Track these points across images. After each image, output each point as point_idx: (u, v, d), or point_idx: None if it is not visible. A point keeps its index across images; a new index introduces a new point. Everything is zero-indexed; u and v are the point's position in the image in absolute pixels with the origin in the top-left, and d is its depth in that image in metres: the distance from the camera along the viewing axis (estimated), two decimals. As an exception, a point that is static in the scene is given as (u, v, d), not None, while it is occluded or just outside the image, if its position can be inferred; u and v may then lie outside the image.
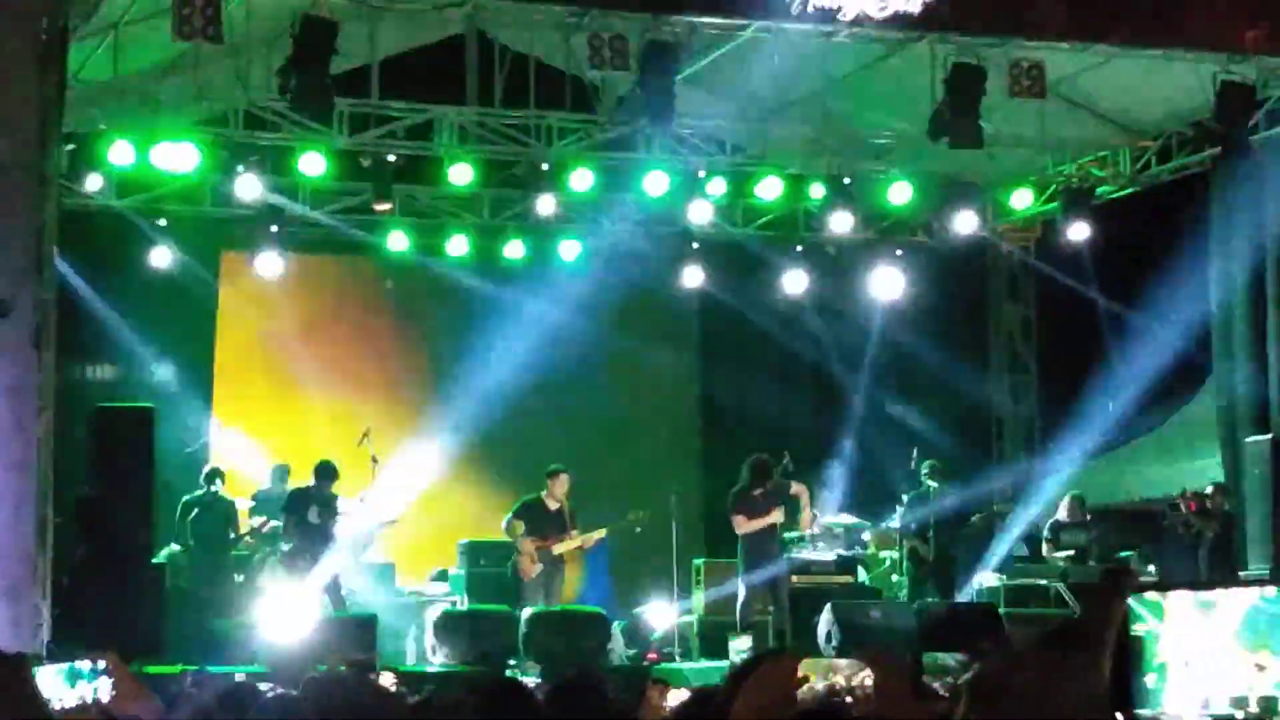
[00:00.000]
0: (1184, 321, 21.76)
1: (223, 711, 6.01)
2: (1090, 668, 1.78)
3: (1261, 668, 4.50)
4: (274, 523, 20.37)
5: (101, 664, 5.23)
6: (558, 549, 19.80)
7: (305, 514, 19.48)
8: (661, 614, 20.43)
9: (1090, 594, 1.74)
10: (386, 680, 10.96)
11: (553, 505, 19.95)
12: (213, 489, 20.44)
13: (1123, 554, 21.10)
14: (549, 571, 19.76)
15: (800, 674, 4.84)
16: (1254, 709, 4.85)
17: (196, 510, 20.21)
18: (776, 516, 19.36)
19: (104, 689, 5.29)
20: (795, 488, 19.93)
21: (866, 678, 4.62)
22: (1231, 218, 20.90)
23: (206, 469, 20.80)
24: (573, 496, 20.15)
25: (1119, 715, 1.56)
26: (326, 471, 19.83)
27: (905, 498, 21.26)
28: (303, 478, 20.40)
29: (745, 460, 19.76)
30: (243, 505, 21.08)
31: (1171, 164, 21.72)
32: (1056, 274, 23.54)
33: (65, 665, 5.30)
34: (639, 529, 20.34)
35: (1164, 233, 22.23)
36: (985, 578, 21.25)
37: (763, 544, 19.32)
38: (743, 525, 19.30)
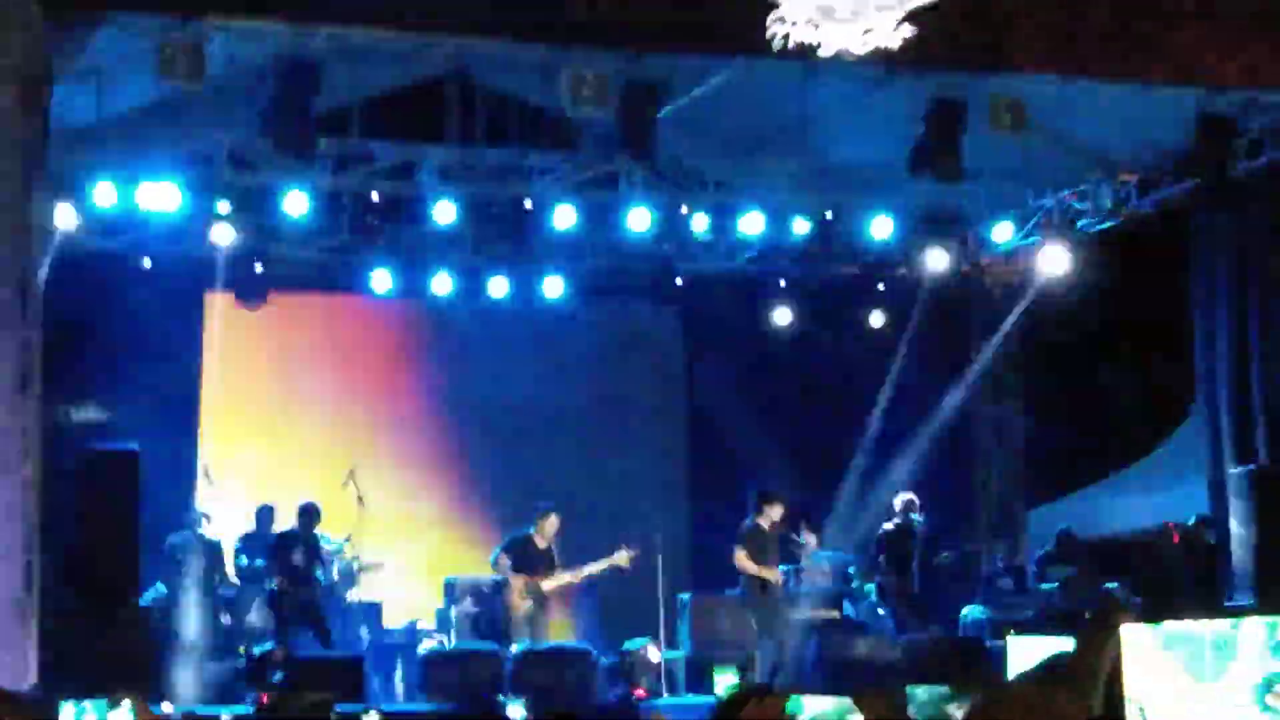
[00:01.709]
0: (1167, 353, 21.80)
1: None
2: (1081, 701, 1.80)
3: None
4: (257, 564, 20.38)
5: (126, 703, 5.27)
6: (547, 586, 19.82)
7: (290, 557, 19.51)
8: (648, 650, 20.42)
9: (1083, 628, 1.75)
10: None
11: (541, 544, 19.97)
12: (197, 530, 20.43)
13: (1108, 585, 21.13)
14: (535, 609, 19.78)
15: (788, 712, 4.87)
16: None
17: (181, 551, 20.20)
18: (776, 577, 19.47)
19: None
20: (808, 537, 20.17)
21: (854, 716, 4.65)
22: (1213, 249, 20.96)
23: (191, 511, 20.80)
24: (560, 535, 20.17)
25: None
26: (309, 512, 19.86)
27: (882, 532, 21.31)
28: (288, 518, 20.40)
29: (752, 492, 19.91)
30: (228, 546, 21.09)
31: (1152, 197, 21.76)
32: (1039, 307, 23.58)
33: (76, 704, 5.33)
34: (627, 567, 20.34)
35: (1145, 265, 22.30)
36: (971, 611, 21.28)
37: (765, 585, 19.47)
38: (747, 566, 19.37)
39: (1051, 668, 1.63)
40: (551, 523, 20.01)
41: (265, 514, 21.31)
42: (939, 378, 24.15)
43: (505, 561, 19.85)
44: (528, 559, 19.83)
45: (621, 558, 20.21)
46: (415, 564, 22.52)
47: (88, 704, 5.00)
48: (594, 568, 20.20)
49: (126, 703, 5.14)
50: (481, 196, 21.45)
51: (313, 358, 23.43)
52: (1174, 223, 21.62)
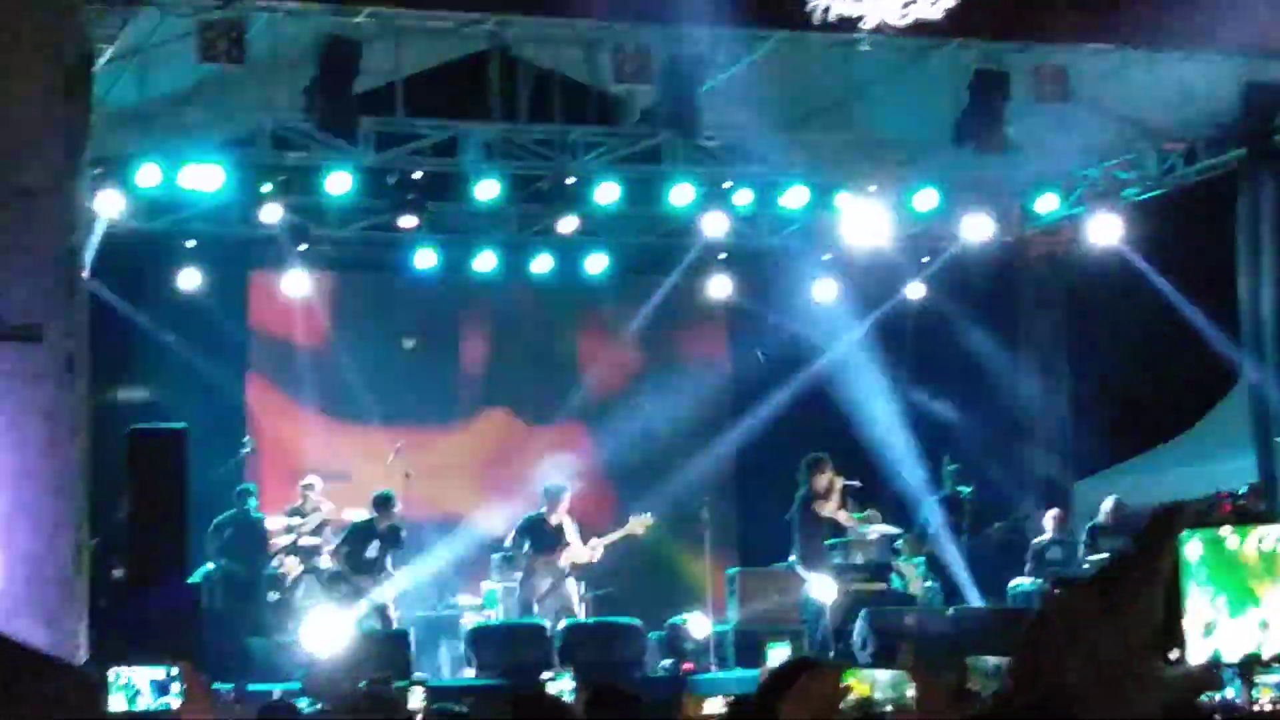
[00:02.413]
0: (1214, 322, 21.70)
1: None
2: (1145, 607, 1.79)
3: None
4: (309, 539, 20.46)
5: (174, 671, 5.28)
6: (563, 562, 19.91)
7: (364, 548, 19.62)
8: (697, 624, 20.43)
9: (1142, 532, 1.73)
10: (417, 696, 11.02)
11: (554, 521, 20.06)
12: (245, 507, 20.51)
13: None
14: (556, 586, 19.87)
15: (843, 685, 4.86)
16: None
17: (229, 529, 20.30)
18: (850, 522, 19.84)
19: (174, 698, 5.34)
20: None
21: (909, 689, 4.63)
22: (1258, 218, 20.85)
23: (238, 488, 20.89)
24: (600, 507, 20.27)
25: (1171, 656, 1.56)
26: (384, 502, 19.96)
27: (930, 503, 21.29)
28: (334, 495, 20.51)
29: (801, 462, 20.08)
30: (277, 523, 21.16)
31: (1197, 166, 21.68)
32: (1084, 277, 23.52)
33: (124, 679, 5.33)
34: (644, 535, 20.43)
35: (1191, 234, 22.21)
36: (1020, 581, 21.24)
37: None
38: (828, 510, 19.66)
39: (1108, 573, 1.61)
40: (564, 500, 20.09)
41: (310, 489, 21.33)
42: (984, 350, 24.09)
43: (522, 546, 19.96)
44: (543, 538, 19.92)
45: (636, 525, 20.28)
46: (461, 540, 22.54)
47: (136, 670, 5.01)
48: (609, 539, 20.25)
49: (175, 671, 5.15)
50: (524, 173, 21.46)
51: (357, 336, 23.46)
52: (1219, 191, 21.51)
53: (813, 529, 20.05)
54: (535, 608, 19.78)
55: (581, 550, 20.05)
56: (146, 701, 5.08)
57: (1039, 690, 1.75)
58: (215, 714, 5.38)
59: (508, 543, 20.29)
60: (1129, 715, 1.79)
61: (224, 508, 20.61)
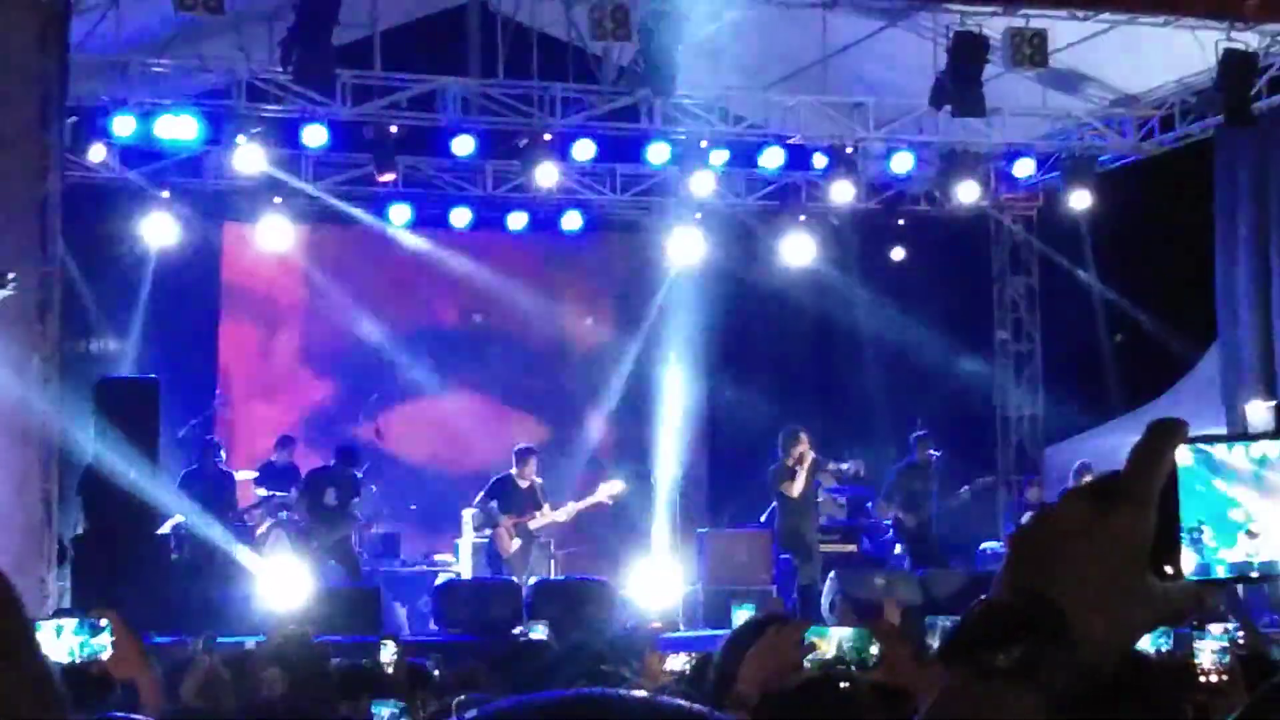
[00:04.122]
0: (1188, 288, 21.75)
1: (229, 673, 6.07)
2: (1140, 522, 1.77)
3: None
4: (279, 495, 20.42)
5: (103, 622, 5.22)
6: (533, 525, 19.90)
7: (322, 495, 19.58)
8: (664, 583, 20.45)
9: (1136, 446, 1.71)
10: (388, 650, 10.97)
11: (523, 484, 20.04)
12: (213, 461, 20.47)
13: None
14: (525, 547, 19.88)
15: (807, 641, 4.86)
16: None
17: (197, 483, 20.25)
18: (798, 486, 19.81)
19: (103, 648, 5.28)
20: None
21: (874, 646, 4.63)
22: (1235, 185, 20.89)
23: (205, 439, 20.83)
24: (571, 471, 20.26)
25: (1168, 570, 1.56)
26: (349, 455, 19.95)
27: (896, 469, 21.33)
28: (306, 451, 20.48)
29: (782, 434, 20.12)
30: (246, 476, 21.12)
31: (1175, 132, 21.70)
32: (1058, 243, 23.55)
33: (56, 621, 5.28)
34: (611, 501, 20.44)
35: (1167, 201, 22.23)
36: (989, 546, 21.30)
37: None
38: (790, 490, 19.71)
39: (1103, 485, 1.58)
40: (531, 463, 20.09)
41: (284, 443, 21.30)
42: (957, 313, 24.12)
43: (489, 504, 19.96)
44: (512, 499, 19.92)
45: (606, 491, 20.29)
46: (431, 494, 22.53)
47: (65, 621, 4.98)
48: (581, 504, 20.26)
49: (103, 620, 5.07)
50: (501, 128, 21.41)
51: (331, 290, 23.41)
52: (1196, 158, 21.54)
53: (783, 504, 20.05)
54: (504, 568, 19.79)
55: (551, 514, 20.05)
56: (73, 642, 5.04)
57: (1027, 600, 1.73)
58: (146, 666, 5.35)
59: (476, 501, 20.29)
60: (1119, 629, 1.78)
61: (193, 459, 20.55)
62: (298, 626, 10.24)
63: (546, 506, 20.01)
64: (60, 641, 5.17)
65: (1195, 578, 1.82)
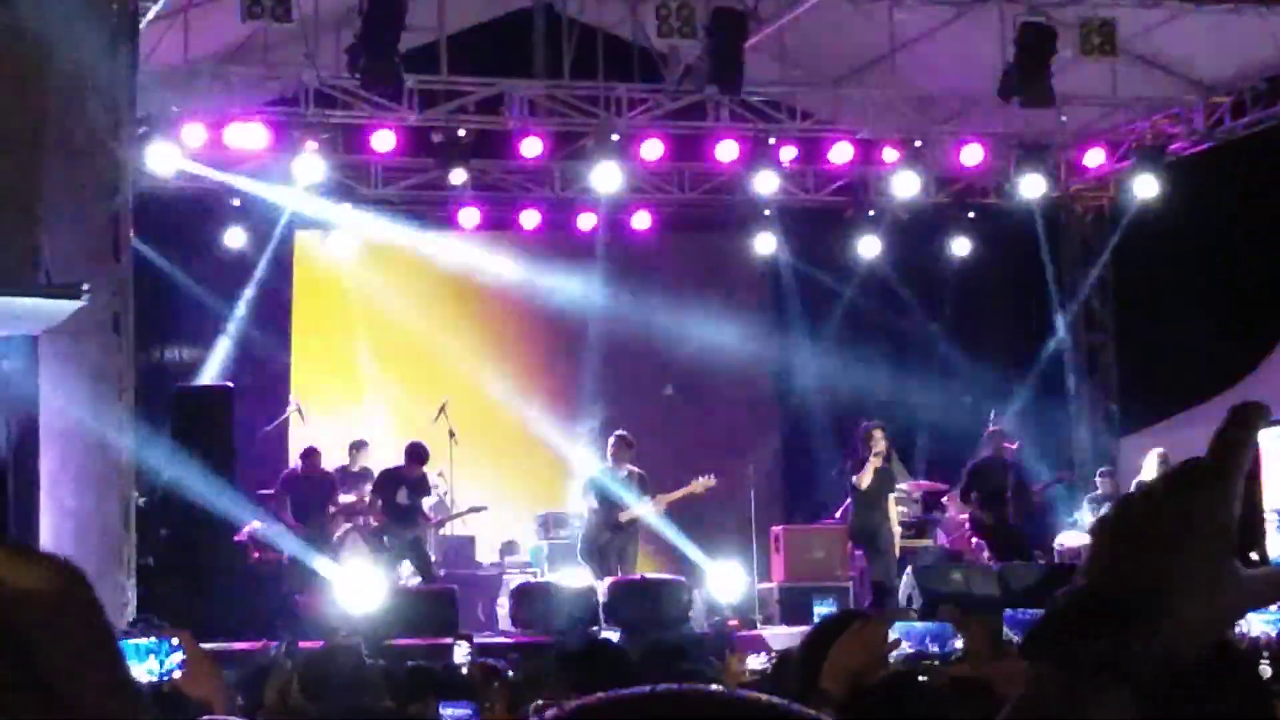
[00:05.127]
0: (1261, 277, 21.59)
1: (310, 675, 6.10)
2: (1224, 508, 1.75)
3: None
4: (353, 496, 20.48)
5: (175, 641, 5.25)
6: (624, 517, 19.79)
7: (395, 495, 19.61)
8: (740, 581, 20.42)
9: (1219, 430, 1.69)
10: (462, 651, 11.01)
11: (620, 475, 19.95)
12: (314, 463, 20.50)
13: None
14: (616, 540, 19.77)
15: (891, 638, 4.84)
16: None
17: (299, 485, 20.20)
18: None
19: (176, 667, 5.32)
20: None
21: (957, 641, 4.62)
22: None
23: (305, 447, 20.81)
24: (647, 468, 20.14)
25: (1252, 555, 1.53)
26: (417, 454, 19.96)
27: (972, 464, 21.20)
28: (380, 454, 20.52)
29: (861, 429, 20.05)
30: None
31: (1246, 119, 21.54)
32: (1131, 232, 23.40)
33: (134, 642, 5.32)
34: (704, 494, 20.38)
35: (1239, 188, 22.06)
36: (1067, 539, 21.16)
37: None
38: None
39: (1188, 470, 1.56)
40: (626, 454, 19.94)
41: (357, 448, 21.33)
42: (1030, 306, 24.02)
43: (589, 495, 19.90)
44: (606, 492, 19.83)
45: (698, 485, 20.21)
46: (508, 498, 22.56)
47: (139, 641, 5.01)
48: (672, 496, 20.17)
49: (174, 639, 5.09)
50: (568, 130, 21.43)
51: (401, 294, 23.47)
52: (1268, 145, 21.37)
53: (855, 497, 19.94)
54: (595, 564, 19.62)
55: (644, 506, 19.92)
56: (151, 663, 5.08)
57: (1116, 588, 1.71)
58: (218, 684, 5.38)
59: (582, 497, 20.16)
60: (1208, 617, 1.75)
61: (270, 465, 20.59)
62: (345, 635, 10.26)
63: (639, 501, 19.82)
64: (144, 660, 5.20)
65: None
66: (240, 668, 6.13)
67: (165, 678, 5.24)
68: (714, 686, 1.63)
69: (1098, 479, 22.01)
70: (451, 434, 21.30)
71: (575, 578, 19.65)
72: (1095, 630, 1.68)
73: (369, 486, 20.34)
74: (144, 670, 5.23)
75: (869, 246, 23.78)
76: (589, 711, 1.57)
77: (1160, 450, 21.12)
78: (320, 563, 19.15)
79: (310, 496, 19.88)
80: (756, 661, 8.07)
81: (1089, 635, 1.69)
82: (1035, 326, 23.94)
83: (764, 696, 1.60)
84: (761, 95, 21.09)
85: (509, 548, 22.08)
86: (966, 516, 21.25)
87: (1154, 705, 1.71)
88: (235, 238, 22.24)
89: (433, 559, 20.10)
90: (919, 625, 13.07)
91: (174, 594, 16.77)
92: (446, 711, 6.63)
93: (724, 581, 20.24)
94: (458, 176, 21.27)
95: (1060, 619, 1.71)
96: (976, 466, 21.01)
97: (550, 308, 23.80)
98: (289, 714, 6.15)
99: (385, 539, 19.50)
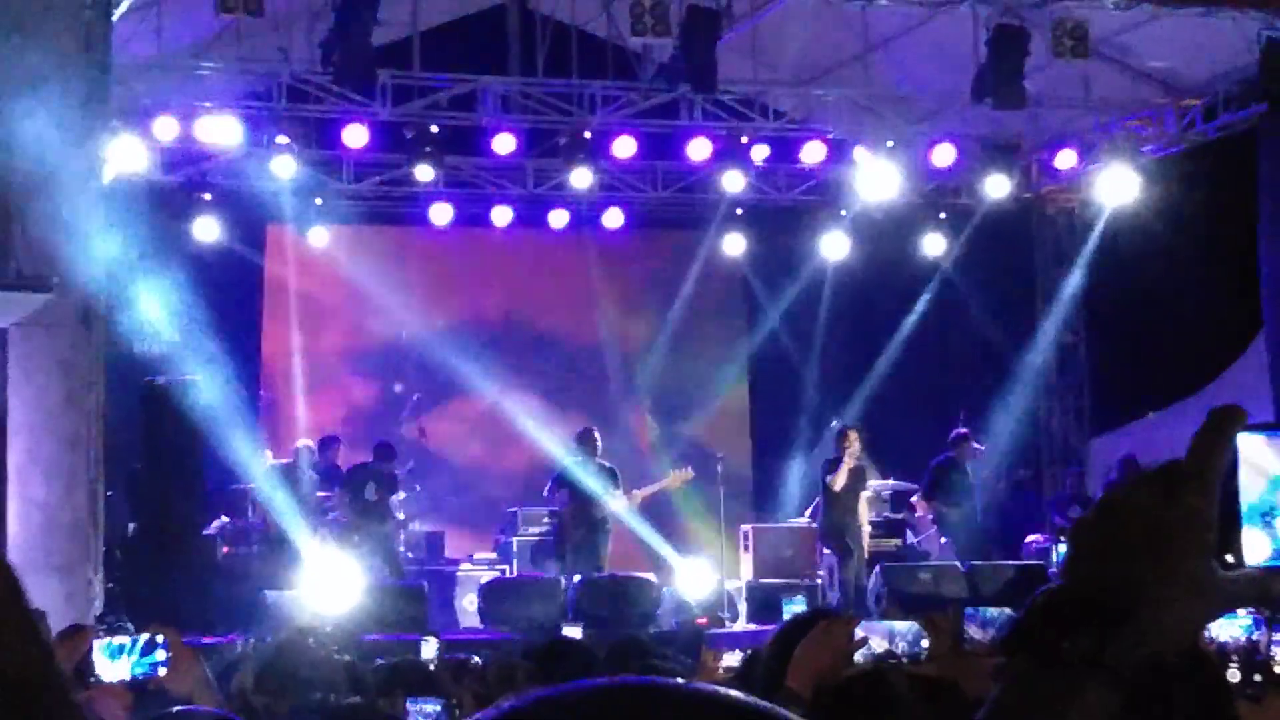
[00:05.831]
0: (1231, 279, 21.64)
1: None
2: (1206, 504, 1.76)
3: None
4: (322, 491, 20.46)
5: (160, 638, 5.25)
6: (598, 513, 19.76)
7: (362, 491, 19.59)
8: (709, 579, 20.43)
9: (1196, 435, 1.70)
10: (431, 647, 10.97)
11: (592, 467, 19.93)
12: (322, 460, 20.50)
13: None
14: (589, 536, 19.73)
15: (858, 636, 4.86)
16: None
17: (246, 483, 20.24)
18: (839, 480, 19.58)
19: (159, 664, 5.31)
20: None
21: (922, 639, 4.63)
22: (1278, 174, 20.77)
23: (298, 442, 20.79)
24: (617, 465, 20.12)
25: (1228, 558, 1.54)
26: (385, 451, 19.95)
27: (938, 462, 21.23)
28: (348, 452, 20.50)
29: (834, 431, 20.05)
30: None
31: (1217, 122, 21.59)
32: (1102, 234, 23.44)
33: (109, 640, 5.32)
34: (681, 489, 20.37)
35: (1210, 191, 22.10)
36: (1036, 538, 21.21)
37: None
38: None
39: (1167, 472, 1.58)
40: (594, 448, 19.91)
41: (327, 444, 21.32)
42: (1000, 306, 24.05)
43: (559, 491, 19.85)
44: (578, 487, 19.79)
45: (675, 479, 20.21)
46: (479, 493, 22.56)
47: (123, 639, 4.99)
48: (646, 491, 20.16)
49: (160, 636, 5.10)
50: (541, 127, 21.42)
51: (372, 290, 23.45)
52: (1238, 148, 21.42)
53: (826, 498, 19.93)
54: (567, 559, 19.57)
55: (618, 501, 19.89)
56: (127, 662, 5.06)
57: (1094, 588, 1.72)
58: (203, 682, 5.37)
59: (545, 493, 20.12)
60: (1187, 617, 1.76)
61: (238, 460, 20.55)
62: (301, 630, 10.22)
63: (618, 493, 19.74)
64: (119, 659, 5.20)
65: (1269, 563, 1.81)
66: (207, 662, 6.12)
67: (151, 674, 5.23)
68: (674, 680, 1.64)
69: (1067, 479, 22.07)
70: (421, 431, 21.27)
71: (545, 573, 19.65)
72: (1076, 629, 1.69)
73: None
74: (117, 670, 5.21)
75: (840, 246, 23.81)
76: (548, 703, 1.58)
77: (1127, 452, 21.21)
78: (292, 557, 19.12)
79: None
80: (733, 659, 8.05)
81: (1070, 633, 1.69)
82: (1007, 326, 23.96)
83: (722, 689, 1.61)
84: (734, 94, 21.10)
85: (479, 543, 22.07)
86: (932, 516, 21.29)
87: (1131, 703, 1.72)
88: (206, 230, 22.19)
89: (402, 553, 20.10)
90: (886, 624, 13.13)
91: (142, 587, 16.73)
92: (414, 708, 6.61)
93: (693, 579, 20.25)
94: (424, 173, 21.24)
95: (1041, 616, 1.72)
96: (938, 466, 21.04)
97: (521, 303, 23.80)
98: (249, 710, 6.15)
99: (355, 536, 19.48)
